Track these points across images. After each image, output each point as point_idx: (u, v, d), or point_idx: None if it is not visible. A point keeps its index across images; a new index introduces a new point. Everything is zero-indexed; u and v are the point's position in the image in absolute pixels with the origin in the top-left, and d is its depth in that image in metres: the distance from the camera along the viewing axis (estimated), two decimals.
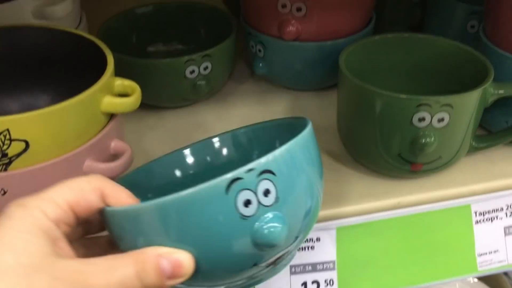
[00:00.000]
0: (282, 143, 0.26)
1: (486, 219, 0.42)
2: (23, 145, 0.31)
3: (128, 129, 0.49)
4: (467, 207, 0.42)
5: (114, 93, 0.36)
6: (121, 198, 0.26)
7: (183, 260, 0.24)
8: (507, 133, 0.43)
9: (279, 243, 0.25)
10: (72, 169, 0.34)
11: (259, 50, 0.51)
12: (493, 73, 0.39)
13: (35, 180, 0.33)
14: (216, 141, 0.37)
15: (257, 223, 0.24)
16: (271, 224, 0.24)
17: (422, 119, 0.37)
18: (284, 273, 0.40)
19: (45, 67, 0.40)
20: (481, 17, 0.50)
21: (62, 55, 0.39)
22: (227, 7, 0.66)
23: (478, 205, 0.42)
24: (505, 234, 0.43)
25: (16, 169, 0.32)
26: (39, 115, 0.31)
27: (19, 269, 0.21)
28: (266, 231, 0.24)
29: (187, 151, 0.37)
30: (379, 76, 0.47)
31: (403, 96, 0.37)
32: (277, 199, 0.25)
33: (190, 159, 0.37)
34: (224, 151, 0.37)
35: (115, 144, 0.36)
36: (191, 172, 0.37)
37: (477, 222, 0.42)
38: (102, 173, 0.34)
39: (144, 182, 0.35)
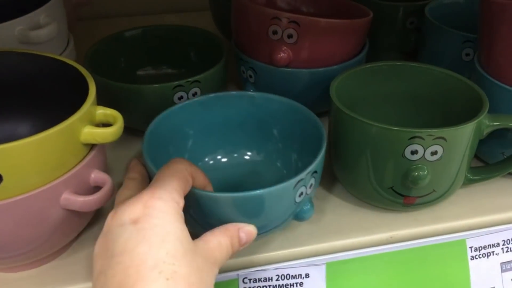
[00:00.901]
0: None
1: (482, 255, 0.41)
2: None
3: (114, 155, 0.47)
4: (462, 242, 0.40)
5: (96, 122, 0.34)
6: (201, 179, 0.33)
7: (253, 231, 0.32)
8: (504, 165, 0.42)
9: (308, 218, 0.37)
10: (48, 202, 0.32)
11: (250, 76, 0.50)
12: (488, 105, 0.38)
13: (10, 213, 0.31)
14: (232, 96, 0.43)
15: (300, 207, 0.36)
16: (307, 207, 0.36)
17: (414, 152, 0.36)
18: None
19: (27, 94, 0.39)
20: (476, 46, 0.50)
21: (44, 81, 0.38)
22: (219, 31, 0.66)
23: (474, 240, 0.40)
24: (502, 270, 0.41)
25: None
26: (15, 147, 0.29)
27: (188, 255, 0.27)
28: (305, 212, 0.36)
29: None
30: (371, 104, 0.46)
31: (395, 128, 0.36)
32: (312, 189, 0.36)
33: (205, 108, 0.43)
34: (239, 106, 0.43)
35: (95, 176, 0.34)
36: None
37: (472, 257, 0.40)
38: (80, 207, 0.33)
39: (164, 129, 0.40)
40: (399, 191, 0.38)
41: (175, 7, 0.79)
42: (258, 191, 0.32)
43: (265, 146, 0.44)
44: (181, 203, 0.29)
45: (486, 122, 0.38)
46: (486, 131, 0.39)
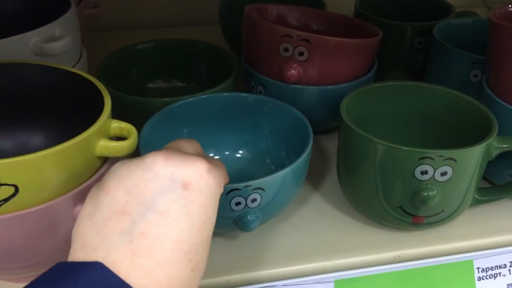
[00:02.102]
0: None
1: (489, 276, 0.41)
2: (12, 189, 0.30)
3: None
4: (470, 262, 0.40)
5: (110, 135, 0.35)
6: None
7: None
8: (511, 187, 0.42)
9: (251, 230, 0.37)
10: (61, 214, 0.32)
11: (260, 92, 0.51)
12: (497, 127, 0.39)
13: (24, 224, 0.31)
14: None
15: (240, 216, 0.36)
16: (251, 218, 0.36)
17: (424, 172, 0.36)
18: None
19: (42, 105, 0.39)
20: (483, 67, 0.50)
21: (59, 93, 0.39)
22: (229, 45, 0.66)
23: (481, 261, 0.41)
24: None
25: (3, 213, 0.30)
26: (31, 159, 0.29)
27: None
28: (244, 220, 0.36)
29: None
30: (381, 123, 0.46)
31: (405, 148, 0.36)
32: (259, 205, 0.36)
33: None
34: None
35: None
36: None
37: (479, 278, 0.40)
38: None
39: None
40: (408, 211, 0.39)
41: (185, 21, 0.80)
42: None
43: (256, 144, 0.47)
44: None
45: (495, 144, 0.38)
46: (495, 153, 0.39)
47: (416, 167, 0.36)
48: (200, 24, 0.78)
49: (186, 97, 0.45)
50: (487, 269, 0.41)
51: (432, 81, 0.57)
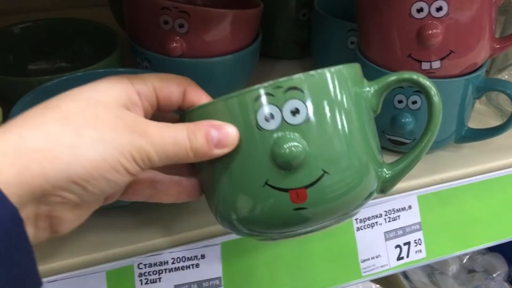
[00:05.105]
0: None
1: (367, 226, 0.44)
2: None
3: None
4: None
5: None
6: (201, 98, 0.31)
7: (230, 131, 0.28)
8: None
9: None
10: None
11: (146, 67, 0.50)
12: None
13: None
14: None
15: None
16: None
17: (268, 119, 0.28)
18: None
19: None
20: None
21: None
22: (119, 25, 0.65)
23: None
24: (386, 239, 0.45)
25: None
26: None
27: (91, 100, 0.26)
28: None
29: None
30: None
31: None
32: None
33: None
34: None
35: None
36: None
37: (358, 228, 0.43)
38: None
39: None
40: (278, 185, 0.29)
41: (74, 3, 0.77)
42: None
43: None
44: (138, 85, 0.29)
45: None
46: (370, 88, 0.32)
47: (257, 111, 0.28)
48: (89, 6, 0.76)
49: (63, 74, 0.43)
50: (365, 219, 0.44)
51: (316, 51, 0.60)
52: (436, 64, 0.42)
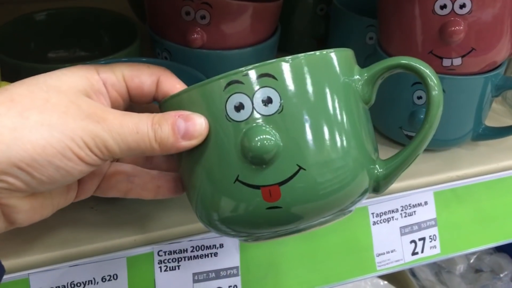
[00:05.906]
0: None
1: (383, 220, 0.44)
2: None
3: None
4: (365, 208, 0.43)
5: None
6: (174, 88, 0.29)
7: (198, 122, 0.26)
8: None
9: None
10: None
11: (166, 58, 0.51)
12: None
13: None
14: None
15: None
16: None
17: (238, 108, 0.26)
18: (187, 281, 0.39)
19: None
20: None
21: None
22: (135, 15, 0.65)
23: (375, 206, 0.44)
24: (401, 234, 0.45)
25: None
26: None
27: (43, 85, 0.25)
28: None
29: None
30: None
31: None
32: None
33: None
34: None
35: None
36: None
37: (374, 223, 0.44)
38: None
39: None
40: (251, 182, 0.27)
41: None
42: None
43: None
44: (104, 74, 0.28)
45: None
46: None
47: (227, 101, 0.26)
48: None
49: (84, 62, 0.44)
50: (381, 214, 0.44)
51: (333, 47, 0.60)
52: (457, 61, 0.42)
